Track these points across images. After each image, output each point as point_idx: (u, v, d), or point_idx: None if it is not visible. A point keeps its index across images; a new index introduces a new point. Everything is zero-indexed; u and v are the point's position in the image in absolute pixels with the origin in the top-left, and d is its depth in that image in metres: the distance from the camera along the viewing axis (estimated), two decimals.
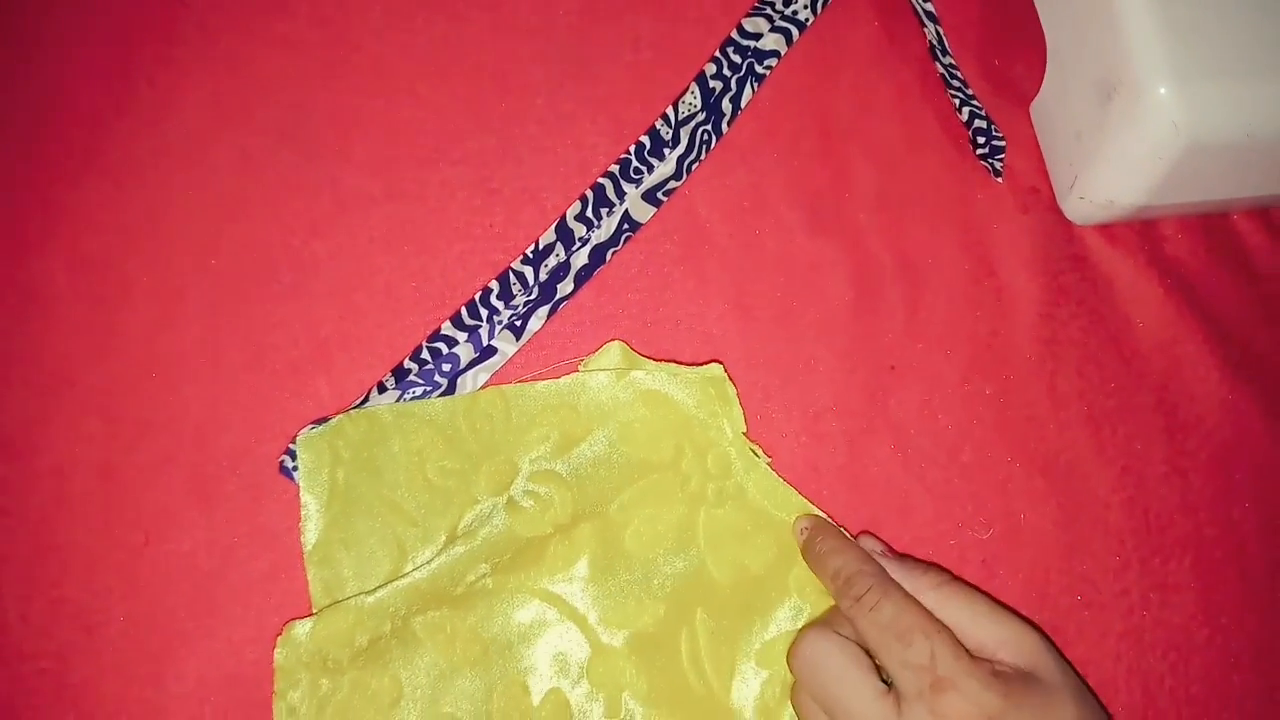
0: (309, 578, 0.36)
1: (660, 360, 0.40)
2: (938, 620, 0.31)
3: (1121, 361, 0.44)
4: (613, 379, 0.38)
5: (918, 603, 0.32)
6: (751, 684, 0.36)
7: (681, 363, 0.40)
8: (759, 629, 0.37)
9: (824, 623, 0.34)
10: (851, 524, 0.39)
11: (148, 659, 0.36)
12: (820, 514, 0.38)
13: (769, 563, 0.37)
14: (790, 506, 0.38)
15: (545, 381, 0.38)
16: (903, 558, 0.36)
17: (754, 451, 0.38)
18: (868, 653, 0.32)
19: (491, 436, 0.38)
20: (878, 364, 0.42)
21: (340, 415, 0.37)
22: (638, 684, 0.35)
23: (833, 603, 0.36)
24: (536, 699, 0.35)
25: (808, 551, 0.36)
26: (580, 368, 0.39)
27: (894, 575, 0.34)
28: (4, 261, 0.40)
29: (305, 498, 0.37)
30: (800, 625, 0.37)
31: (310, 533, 0.36)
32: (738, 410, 0.39)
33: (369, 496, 0.37)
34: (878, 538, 0.38)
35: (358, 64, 0.43)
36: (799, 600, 0.37)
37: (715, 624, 0.37)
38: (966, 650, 0.31)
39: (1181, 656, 0.41)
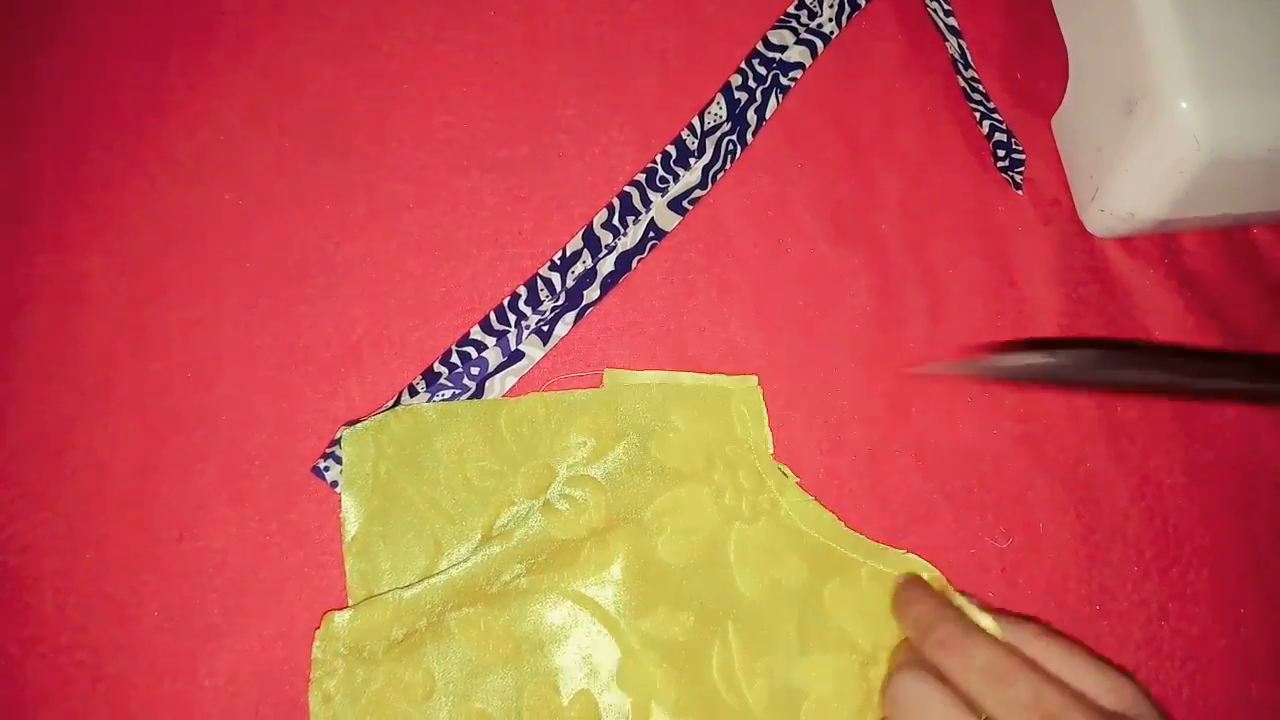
0: (346, 568, 0.37)
1: (688, 369, 0.40)
2: (1034, 660, 0.32)
3: None
4: (649, 389, 0.39)
5: (1007, 644, 0.32)
6: (789, 708, 0.36)
7: (706, 370, 0.40)
8: (796, 647, 0.37)
9: (915, 663, 0.34)
10: (871, 531, 0.39)
11: (181, 653, 0.36)
12: (931, 573, 0.37)
13: (802, 580, 0.38)
14: (823, 525, 0.38)
15: (584, 390, 0.39)
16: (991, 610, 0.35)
17: (782, 472, 0.39)
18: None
19: (531, 440, 0.38)
20: (899, 373, 0.43)
21: (386, 411, 0.38)
22: (667, 692, 0.36)
23: (876, 624, 0.37)
24: (566, 699, 0.36)
25: (894, 604, 0.36)
26: (606, 378, 0.40)
27: (990, 627, 0.34)
28: (43, 261, 0.40)
29: (347, 490, 0.37)
30: (843, 650, 0.37)
31: (350, 524, 0.37)
32: (766, 431, 0.39)
33: (409, 492, 0.37)
34: (969, 594, 0.37)
35: (392, 72, 0.44)
36: (838, 623, 0.37)
37: (746, 639, 0.37)
38: (1070, 687, 0.31)
39: (1199, 667, 0.41)
